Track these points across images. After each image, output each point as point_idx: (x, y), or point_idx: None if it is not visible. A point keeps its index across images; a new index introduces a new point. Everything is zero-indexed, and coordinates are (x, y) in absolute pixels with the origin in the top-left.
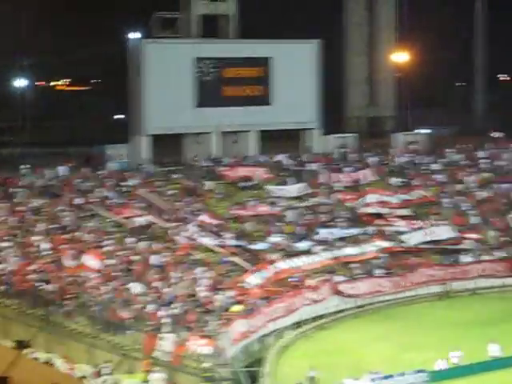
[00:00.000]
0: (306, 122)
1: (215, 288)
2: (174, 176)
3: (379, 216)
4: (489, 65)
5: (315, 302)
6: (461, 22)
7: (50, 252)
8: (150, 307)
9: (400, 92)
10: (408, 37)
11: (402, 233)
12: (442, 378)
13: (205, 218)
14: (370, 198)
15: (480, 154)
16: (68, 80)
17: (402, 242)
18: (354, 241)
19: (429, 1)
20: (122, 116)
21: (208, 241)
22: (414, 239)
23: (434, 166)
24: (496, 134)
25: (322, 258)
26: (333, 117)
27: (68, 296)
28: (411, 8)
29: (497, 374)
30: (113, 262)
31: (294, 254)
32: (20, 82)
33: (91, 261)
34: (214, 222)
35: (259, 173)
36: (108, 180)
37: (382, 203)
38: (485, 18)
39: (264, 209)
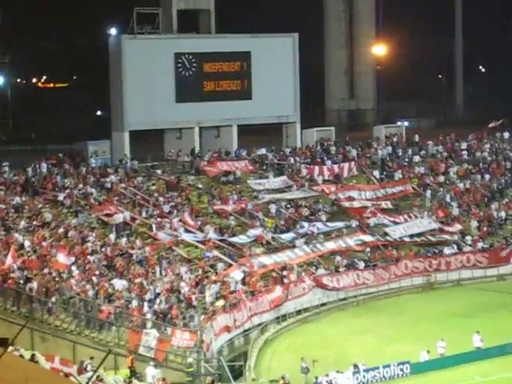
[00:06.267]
0: (286, 116)
1: (198, 283)
2: (156, 171)
3: (362, 209)
4: (470, 57)
5: (299, 295)
6: (441, 13)
7: (33, 249)
8: (134, 303)
9: (380, 84)
10: (388, 30)
11: (385, 226)
12: (426, 369)
13: (187, 213)
14: (353, 191)
15: (461, 145)
16: (50, 77)
17: (386, 234)
18: (337, 234)
19: None
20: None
21: (190, 236)
22: (397, 232)
23: (416, 158)
24: (494, 124)
25: (305, 251)
26: (314, 110)
27: (51, 293)
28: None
29: (480, 365)
30: (96, 258)
31: (277, 247)
32: None
33: (63, 258)
34: (197, 217)
35: (241, 167)
36: (90, 176)
37: (365, 197)
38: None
39: (246, 203)
